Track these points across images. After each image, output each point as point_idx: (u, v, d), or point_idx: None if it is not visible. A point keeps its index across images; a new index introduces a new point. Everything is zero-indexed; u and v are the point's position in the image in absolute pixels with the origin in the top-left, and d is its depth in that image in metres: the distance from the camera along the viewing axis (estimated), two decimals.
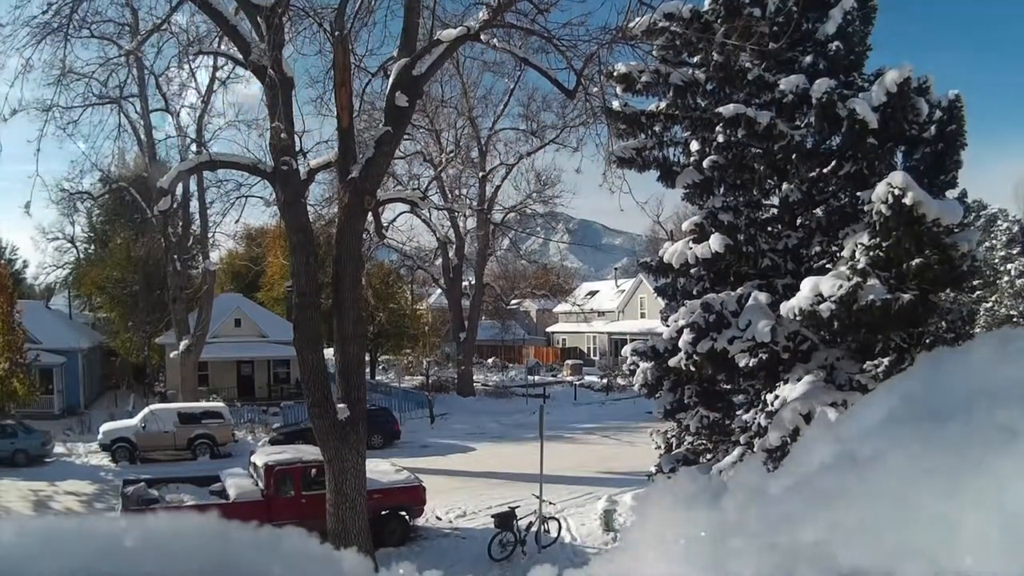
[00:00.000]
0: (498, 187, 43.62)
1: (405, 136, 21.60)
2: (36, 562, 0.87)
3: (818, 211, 14.96)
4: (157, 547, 0.91)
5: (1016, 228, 46.99)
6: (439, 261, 44.81)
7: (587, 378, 49.76)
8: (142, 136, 31.71)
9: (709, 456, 16.19)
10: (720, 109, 14.33)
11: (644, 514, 1.34)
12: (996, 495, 0.96)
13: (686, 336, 14.31)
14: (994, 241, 44.57)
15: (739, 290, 14.52)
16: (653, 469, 16.91)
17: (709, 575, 1.01)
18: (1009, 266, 43.88)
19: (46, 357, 33.63)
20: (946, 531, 0.93)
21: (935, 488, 1.00)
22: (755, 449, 13.85)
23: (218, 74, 27.19)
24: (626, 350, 17.10)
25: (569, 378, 50.04)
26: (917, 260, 12.30)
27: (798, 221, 15.35)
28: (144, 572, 0.87)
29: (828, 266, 13.83)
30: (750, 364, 13.56)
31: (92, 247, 49.20)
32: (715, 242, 14.39)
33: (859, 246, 12.61)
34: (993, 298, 42.43)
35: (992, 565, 0.88)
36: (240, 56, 14.27)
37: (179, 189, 29.24)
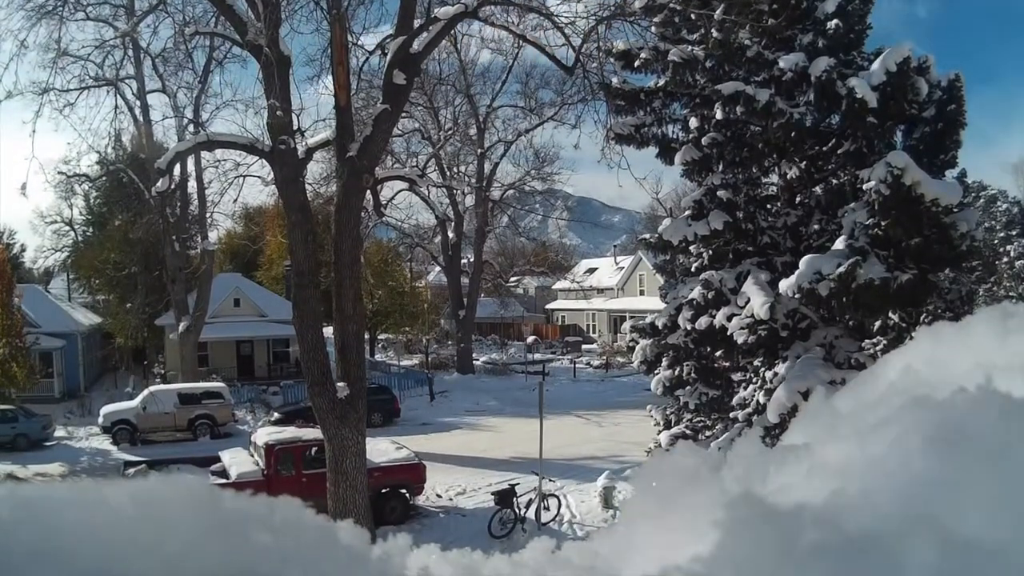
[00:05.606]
0: (496, 164, 43.62)
1: (403, 114, 21.48)
2: (21, 527, 0.86)
3: (817, 189, 14.92)
4: (146, 512, 0.91)
5: (1016, 209, 46.96)
6: (438, 239, 44.75)
7: (586, 356, 49.88)
8: (139, 117, 31.54)
9: (708, 433, 16.26)
10: (719, 86, 14.24)
11: (642, 486, 1.34)
12: (997, 461, 0.96)
13: (685, 313, 14.34)
14: (993, 222, 44.53)
15: (738, 267, 14.52)
16: (652, 446, 16.97)
17: (708, 545, 1.01)
18: (1008, 247, 43.86)
19: (45, 340, 33.64)
20: (949, 497, 0.94)
21: (936, 456, 1.00)
22: (753, 426, 13.90)
23: (215, 54, 26.97)
24: (625, 327, 17.16)
25: (568, 356, 50.14)
26: (916, 240, 12.30)
27: (797, 199, 15.32)
28: (130, 538, 0.87)
29: (827, 244, 13.80)
30: (749, 341, 13.57)
31: (90, 230, 48.95)
32: (714, 219, 14.36)
33: (858, 225, 12.59)
34: (992, 279, 42.42)
35: (995, 530, 0.88)
36: (237, 35, 14.17)
37: (177, 170, 29.06)
